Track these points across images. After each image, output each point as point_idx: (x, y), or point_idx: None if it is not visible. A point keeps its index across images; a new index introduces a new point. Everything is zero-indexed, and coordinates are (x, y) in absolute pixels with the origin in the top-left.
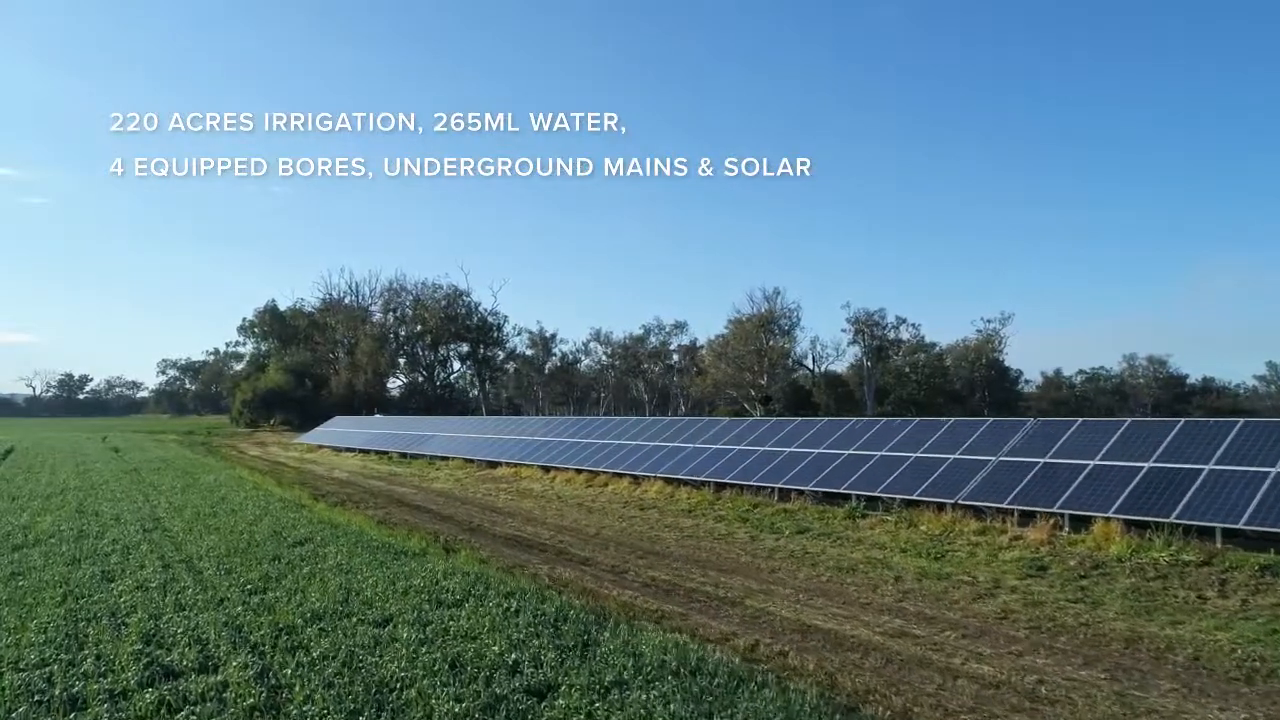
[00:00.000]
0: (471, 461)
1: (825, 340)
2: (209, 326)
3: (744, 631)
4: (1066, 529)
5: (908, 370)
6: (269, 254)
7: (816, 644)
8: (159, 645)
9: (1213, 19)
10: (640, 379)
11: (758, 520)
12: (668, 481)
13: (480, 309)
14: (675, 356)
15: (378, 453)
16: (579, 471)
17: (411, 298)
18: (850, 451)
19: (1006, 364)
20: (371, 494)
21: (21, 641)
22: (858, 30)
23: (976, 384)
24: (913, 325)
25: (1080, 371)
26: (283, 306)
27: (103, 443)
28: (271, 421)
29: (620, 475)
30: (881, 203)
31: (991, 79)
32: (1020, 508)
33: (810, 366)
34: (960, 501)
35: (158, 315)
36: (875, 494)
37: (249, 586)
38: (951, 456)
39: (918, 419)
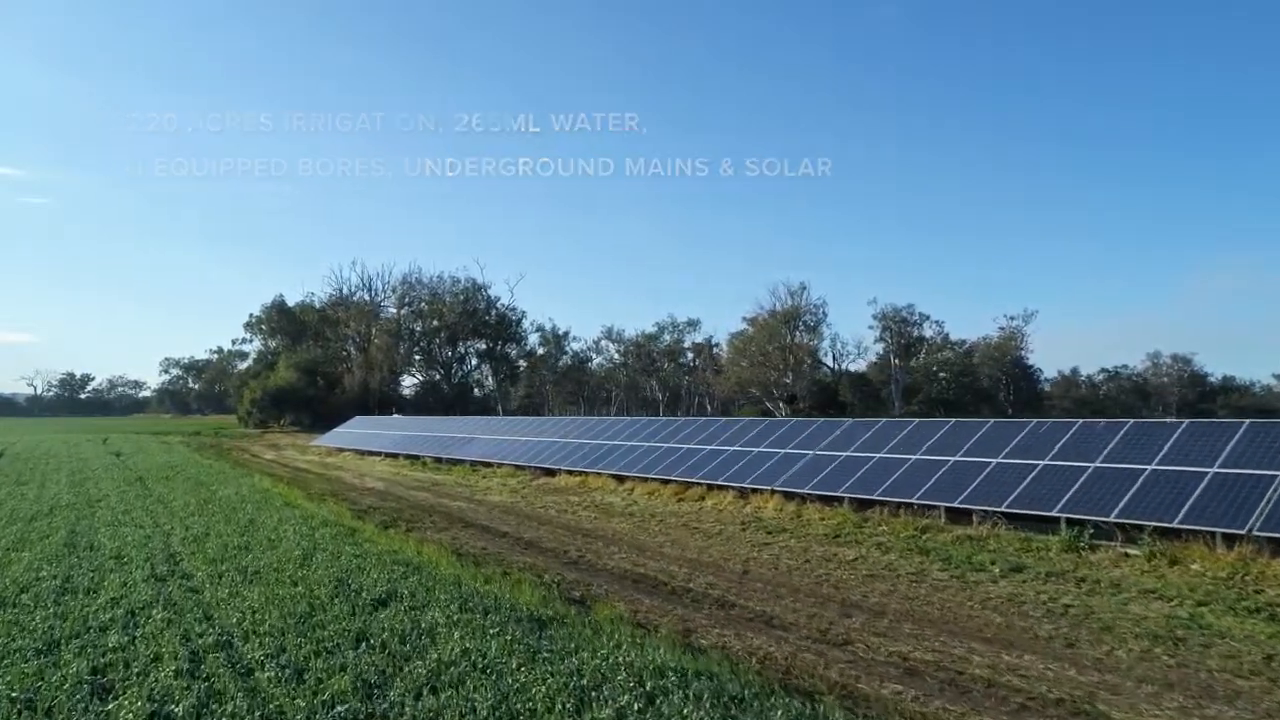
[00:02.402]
0: (523, 469)
1: (844, 338)
2: (211, 325)
3: None
4: None
5: (934, 368)
6: (273, 252)
7: None
8: None
9: (1213, 19)
10: (654, 378)
11: (939, 551)
12: (787, 496)
13: (499, 304)
14: (689, 355)
15: (408, 457)
16: (665, 482)
17: (428, 292)
18: (1046, 462)
19: (1029, 362)
20: (422, 510)
21: None
22: (857, 30)
23: (1000, 382)
24: (937, 322)
25: (1102, 369)
26: (291, 302)
27: (103, 445)
28: (282, 421)
29: (720, 488)
30: (883, 202)
31: (991, 79)
32: None
33: (831, 365)
34: (1255, 533)
35: (159, 314)
36: (1108, 520)
37: (342, 712)
38: (1210, 470)
39: (1131, 421)
